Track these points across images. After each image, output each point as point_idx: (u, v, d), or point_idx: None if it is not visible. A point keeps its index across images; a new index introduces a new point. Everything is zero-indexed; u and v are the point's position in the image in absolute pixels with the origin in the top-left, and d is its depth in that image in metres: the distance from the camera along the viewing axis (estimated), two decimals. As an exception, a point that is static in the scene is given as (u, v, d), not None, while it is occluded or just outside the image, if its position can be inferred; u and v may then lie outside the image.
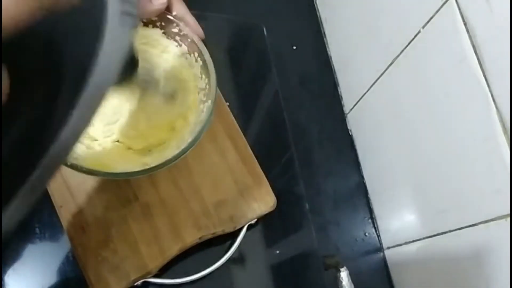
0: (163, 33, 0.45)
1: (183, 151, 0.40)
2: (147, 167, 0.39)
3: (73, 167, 0.37)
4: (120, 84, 0.36)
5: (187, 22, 0.44)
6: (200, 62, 0.44)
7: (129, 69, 0.35)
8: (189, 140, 0.40)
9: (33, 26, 0.17)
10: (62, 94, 0.21)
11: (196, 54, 0.44)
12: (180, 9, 0.44)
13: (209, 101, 0.42)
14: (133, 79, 0.37)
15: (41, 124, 0.21)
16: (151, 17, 0.43)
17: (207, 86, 0.43)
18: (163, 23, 0.45)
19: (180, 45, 0.46)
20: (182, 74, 0.46)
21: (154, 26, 0.45)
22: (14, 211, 0.20)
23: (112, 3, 0.22)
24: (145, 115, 0.44)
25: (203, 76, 0.44)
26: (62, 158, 0.21)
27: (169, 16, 0.43)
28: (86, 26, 0.22)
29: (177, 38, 0.45)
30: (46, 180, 0.21)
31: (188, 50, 0.45)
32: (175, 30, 0.45)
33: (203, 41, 0.44)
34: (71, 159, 0.37)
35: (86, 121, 0.21)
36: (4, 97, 0.19)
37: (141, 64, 0.38)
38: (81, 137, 0.21)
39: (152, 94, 0.42)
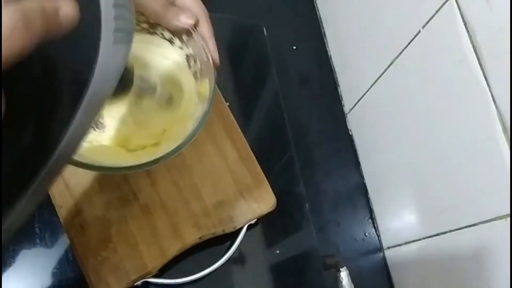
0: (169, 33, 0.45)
1: (178, 149, 0.39)
2: (138, 163, 0.38)
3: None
4: (116, 96, 0.36)
5: (207, 45, 0.42)
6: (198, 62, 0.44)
7: (124, 83, 0.36)
8: (184, 138, 0.40)
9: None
10: (59, 108, 0.22)
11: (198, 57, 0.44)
12: (205, 31, 0.42)
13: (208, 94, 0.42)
14: (128, 90, 0.37)
15: (42, 135, 0.22)
16: (174, 30, 0.42)
17: (205, 87, 0.43)
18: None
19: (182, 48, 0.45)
20: (179, 77, 0.45)
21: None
22: (18, 214, 0.21)
23: (106, 21, 0.22)
24: (136, 122, 0.43)
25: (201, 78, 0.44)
26: (62, 164, 0.23)
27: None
28: (81, 44, 0.22)
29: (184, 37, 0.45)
30: (49, 184, 0.23)
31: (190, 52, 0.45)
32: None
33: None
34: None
35: (84, 130, 0.23)
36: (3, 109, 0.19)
37: (137, 71, 0.38)
38: (79, 145, 0.23)
39: (148, 100, 0.42)
